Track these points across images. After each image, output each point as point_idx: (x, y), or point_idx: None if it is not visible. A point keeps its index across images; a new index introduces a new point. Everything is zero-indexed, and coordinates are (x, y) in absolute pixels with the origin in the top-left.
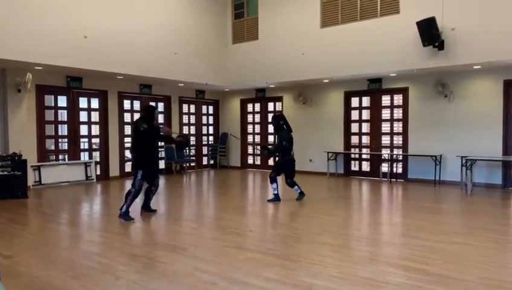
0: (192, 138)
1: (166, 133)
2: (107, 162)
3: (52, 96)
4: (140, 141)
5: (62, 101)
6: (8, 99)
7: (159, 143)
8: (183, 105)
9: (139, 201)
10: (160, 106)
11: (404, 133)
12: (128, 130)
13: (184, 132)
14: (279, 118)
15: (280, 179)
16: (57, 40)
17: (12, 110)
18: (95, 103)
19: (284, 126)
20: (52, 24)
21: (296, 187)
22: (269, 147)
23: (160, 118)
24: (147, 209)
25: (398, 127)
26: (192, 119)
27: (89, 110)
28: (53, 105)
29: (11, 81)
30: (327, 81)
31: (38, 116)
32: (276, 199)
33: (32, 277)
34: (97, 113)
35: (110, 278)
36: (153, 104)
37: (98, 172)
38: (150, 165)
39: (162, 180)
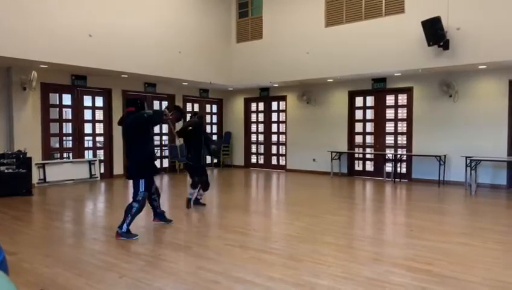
0: None
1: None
2: (111, 160)
3: (57, 95)
4: (141, 137)
5: (67, 99)
6: (13, 97)
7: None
8: (187, 104)
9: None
10: (165, 105)
11: (409, 133)
12: None
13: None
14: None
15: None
16: (62, 38)
17: (17, 108)
18: (99, 102)
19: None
20: (57, 23)
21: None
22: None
23: None
24: (161, 218)
25: (402, 127)
26: None
27: (93, 108)
28: (58, 103)
29: (16, 79)
30: (331, 80)
31: (43, 114)
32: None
33: (36, 274)
34: (101, 111)
35: (114, 276)
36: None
37: (102, 170)
38: (153, 169)
39: (165, 179)
